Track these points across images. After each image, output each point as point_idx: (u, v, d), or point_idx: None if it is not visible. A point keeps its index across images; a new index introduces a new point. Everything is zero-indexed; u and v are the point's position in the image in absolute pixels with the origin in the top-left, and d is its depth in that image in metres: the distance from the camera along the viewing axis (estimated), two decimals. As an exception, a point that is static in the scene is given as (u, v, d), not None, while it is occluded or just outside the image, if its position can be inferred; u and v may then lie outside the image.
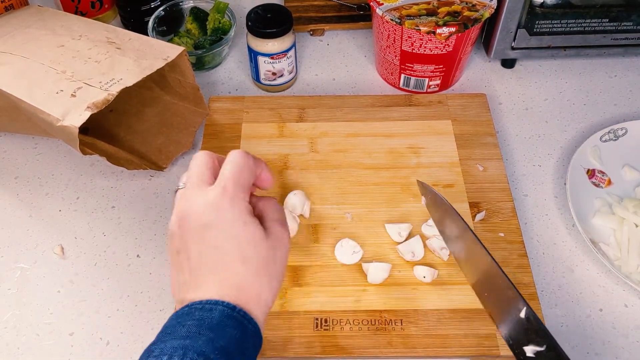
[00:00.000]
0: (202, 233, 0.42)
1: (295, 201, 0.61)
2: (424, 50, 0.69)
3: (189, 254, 0.42)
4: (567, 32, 0.73)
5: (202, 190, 0.43)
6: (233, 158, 0.44)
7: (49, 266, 0.61)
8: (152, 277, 0.60)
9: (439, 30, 0.66)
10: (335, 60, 0.81)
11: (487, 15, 0.68)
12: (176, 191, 0.45)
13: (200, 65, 0.78)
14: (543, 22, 0.72)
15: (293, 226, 0.58)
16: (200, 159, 0.45)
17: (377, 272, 0.56)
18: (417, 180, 0.58)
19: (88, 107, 0.55)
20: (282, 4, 0.85)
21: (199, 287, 0.41)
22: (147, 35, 0.74)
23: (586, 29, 0.73)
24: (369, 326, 0.54)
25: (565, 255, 0.62)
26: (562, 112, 0.75)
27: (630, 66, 0.79)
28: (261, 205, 0.46)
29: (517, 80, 0.78)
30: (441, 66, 0.72)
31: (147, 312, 0.58)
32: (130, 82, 0.58)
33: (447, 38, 0.67)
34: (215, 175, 0.44)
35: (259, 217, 0.44)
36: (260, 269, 0.42)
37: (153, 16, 0.78)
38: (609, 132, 0.68)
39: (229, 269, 0.41)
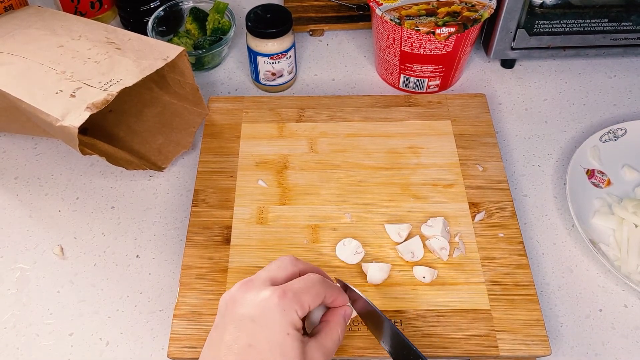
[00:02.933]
0: (243, 323, 0.42)
1: None
2: (424, 51, 0.69)
3: (224, 336, 0.42)
4: (567, 32, 0.73)
5: (264, 285, 0.43)
6: (308, 277, 0.45)
7: (49, 266, 0.61)
8: (151, 278, 0.60)
9: (438, 31, 0.66)
10: (335, 60, 0.81)
11: (486, 15, 0.68)
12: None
13: (199, 65, 0.78)
14: (542, 22, 0.72)
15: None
16: (280, 262, 0.46)
17: (376, 272, 0.56)
18: (335, 278, 0.52)
19: (87, 108, 0.55)
20: (282, 4, 0.85)
21: None
22: (147, 35, 0.74)
23: (586, 29, 0.73)
24: (368, 326, 0.54)
25: (564, 255, 0.62)
26: (561, 112, 0.75)
27: (630, 66, 0.79)
28: (323, 327, 0.46)
29: (516, 80, 0.78)
30: (441, 66, 0.72)
31: (147, 313, 0.58)
32: (129, 82, 0.58)
33: (447, 38, 0.67)
34: (285, 281, 0.45)
35: (314, 333, 0.45)
36: None
37: (153, 16, 0.78)
38: (608, 132, 0.68)
39: None
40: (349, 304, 0.49)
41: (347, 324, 0.48)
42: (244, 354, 0.41)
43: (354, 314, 0.51)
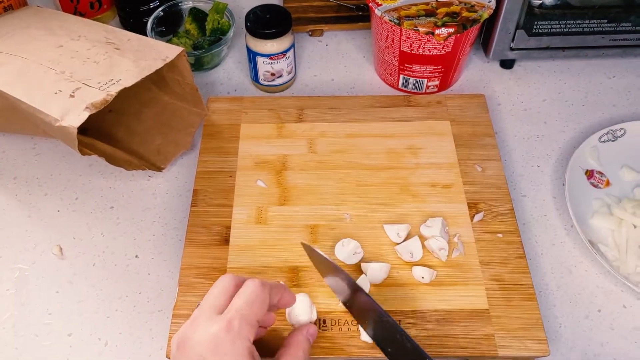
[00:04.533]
0: None
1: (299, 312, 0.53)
2: (423, 51, 0.69)
3: None
4: (566, 33, 0.73)
5: (210, 319, 0.43)
6: (246, 290, 0.44)
7: (48, 266, 0.61)
8: (150, 278, 0.60)
9: (437, 31, 0.66)
10: (334, 60, 0.81)
11: (485, 16, 0.68)
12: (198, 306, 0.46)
13: (199, 65, 0.78)
14: (542, 22, 0.72)
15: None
16: (221, 285, 0.45)
17: (376, 272, 0.56)
18: (302, 243, 0.55)
19: (87, 108, 0.55)
20: (281, 4, 0.85)
21: None
22: (146, 35, 0.74)
23: (585, 29, 0.73)
24: (367, 327, 0.54)
25: (563, 256, 0.62)
26: (560, 112, 0.75)
27: (629, 67, 0.79)
28: (289, 341, 0.46)
29: (515, 80, 0.78)
30: (440, 67, 0.72)
31: (146, 313, 0.58)
32: (129, 82, 0.58)
33: (446, 39, 0.67)
34: (228, 303, 0.44)
35: (276, 358, 0.45)
36: None
37: (152, 17, 0.78)
38: (607, 132, 0.68)
39: None
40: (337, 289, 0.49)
41: (311, 342, 0.48)
42: None
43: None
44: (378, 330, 0.50)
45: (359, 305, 0.51)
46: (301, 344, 0.46)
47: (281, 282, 0.51)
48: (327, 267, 0.53)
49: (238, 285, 0.45)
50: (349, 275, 0.51)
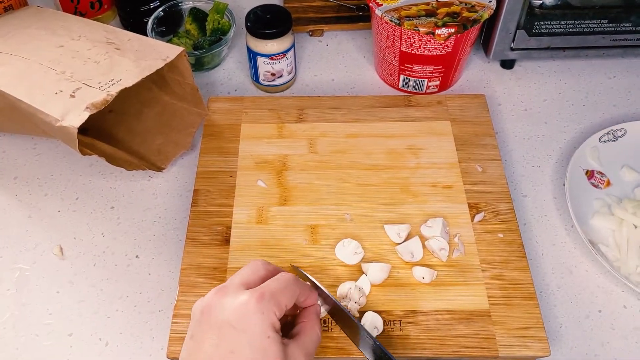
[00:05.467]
0: (223, 330, 0.42)
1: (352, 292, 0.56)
2: (423, 51, 0.69)
3: (202, 345, 0.42)
4: (566, 33, 0.73)
5: (240, 290, 0.43)
6: (282, 277, 0.45)
7: (48, 267, 0.61)
8: (151, 278, 0.60)
9: (438, 31, 0.66)
10: (335, 61, 0.81)
11: (486, 16, 0.68)
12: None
13: (199, 65, 0.78)
14: (542, 23, 0.72)
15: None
16: (253, 265, 0.46)
17: (377, 272, 0.56)
18: (291, 265, 0.56)
19: (87, 108, 0.55)
20: (282, 4, 0.85)
21: None
22: (147, 35, 0.74)
23: (585, 30, 0.73)
24: (368, 327, 0.54)
25: (564, 256, 0.62)
26: (561, 113, 0.75)
27: (630, 67, 0.79)
28: (301, 328, 0.46)
29: (516, 81, 0.78)
30: (440, 67, 0.72)
31: (146, 313, 0.58)
32: (129, 82, 0.58)
33: (447, 39, 0.67)
34: (259, 284, 0.44)
35: (293, 335, 0.45)
36: None
37: (152, 17, 0.78)
38: (608, 133, 0.68)
39: None
40: (319, 302, 0.50)
41: (319, 318, 0.48)
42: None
43: (324, 311, 0.51)
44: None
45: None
46: (316, 323, 0.47)
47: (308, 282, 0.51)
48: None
49: (268, 271, 0.46)
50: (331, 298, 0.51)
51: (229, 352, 0.41)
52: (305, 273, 0.52)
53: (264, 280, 0.45)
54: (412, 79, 0.74)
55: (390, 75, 0.76)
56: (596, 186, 0.66)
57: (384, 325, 0.54)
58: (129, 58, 0.61)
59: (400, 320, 0.54)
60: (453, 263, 0.58)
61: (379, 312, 0.54)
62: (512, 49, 0.75)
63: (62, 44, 0.64)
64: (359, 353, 0.53)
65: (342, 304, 0.55)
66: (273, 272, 0.46)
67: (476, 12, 0.68)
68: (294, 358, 0.43)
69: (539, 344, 0.53)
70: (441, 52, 0.69)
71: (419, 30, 0.66)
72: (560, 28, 0.73)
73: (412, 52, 0.70)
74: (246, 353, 0.41)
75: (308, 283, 0.49)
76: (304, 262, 0.58)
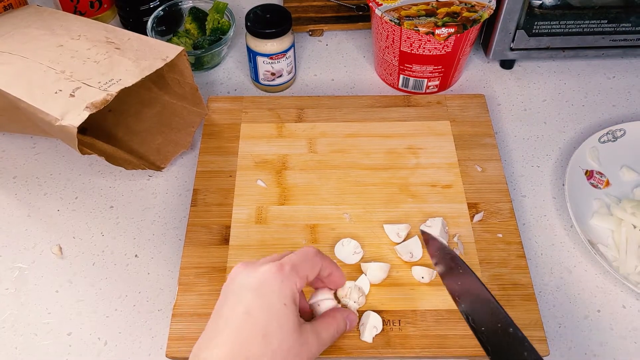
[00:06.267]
0: (242, 293, 0.43)
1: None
2: (423, 51, 0.69)
3: (223, 307, 0.43)
4: (566, 33, 0.73)
5: (264, 262, 0.45)
6: (304, 249, 0.46)
7: (47, 266, 0.61)
8: (150, 277, 0.60)
9: (438, 31, 0.66)
10: (334, 60, 0.81)
11: (486, 16, 0.68)
12: None
13: (199, 65, 0.78)
14: (542, 23, 0.72)
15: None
16: (305, 254, 0.46)
17: (376, 271, 0.56)
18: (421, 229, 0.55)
19: (87, 107, 0.55)
20: (281, 4, 0.85)
21: (215, 346, 0.41)
22: (146, 35, 0.74)
23: (585, 30, 0.73)
24: (367, 326, 0.54)
25: (563, 256, 0.62)
26: (560, 113, 0.75)
27: (629, 67, 0.80)
28: (326, 313, 0.47)
29: (515, 81, 0.78)
30: (440, 67, 0.72)
31: (145, 312, 0.58)
32: (129, 82, 0.58)
33: (446, 39, 0.67)
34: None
35: (313, 316, 0.46)
36: (277, 353, 0.41)
37: (152, 16, 0.78)
38: (607, 133, 0.68)
39: (248, 339, 0.41)
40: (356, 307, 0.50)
41: (347, 329, 0.49)
42: (240, 322, 0.41)
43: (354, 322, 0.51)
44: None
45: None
46: (338, 320, 0.47)
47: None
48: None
49: (319, 266, 0.47)
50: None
51: (244, 314, 0.42)
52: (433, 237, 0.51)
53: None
54: (411, 79, 0.74)
55: (390, 75, 0.76)
56: (595, 186, 0.66)
57: (383, 325, 0.54)
58: (128, 58, 0.61)
59: (399, 320, 0.54)
60: (452, 263, 0.58)
61: (378, 312, 0.54)
62: (511, 49, 0.75)
63: (62, 43, 0.64)
64: (359, 353, 0.53)
65: (340, 303, 0.55)
66: (328, 262, 0.47)
67: (476, 12, 0.68)
68: (306, 337, 0.43)
69: (538, 343, 0.53)
70: (441, 52, 0.69)
71: (418, 30, 0.66)
72: (559, 28, 0.73)
73: (412, 52, 0.70)
74: (261, 316, 0.41)
75: (335, 262, 0.49)
76: (303, 261, 0.58)
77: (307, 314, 0.50)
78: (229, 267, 0.58)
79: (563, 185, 0.66)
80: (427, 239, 0.51)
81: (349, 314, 0.49)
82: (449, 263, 0.49)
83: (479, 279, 0.47)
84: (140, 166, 0.66)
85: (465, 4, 0.68)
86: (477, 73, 0.79)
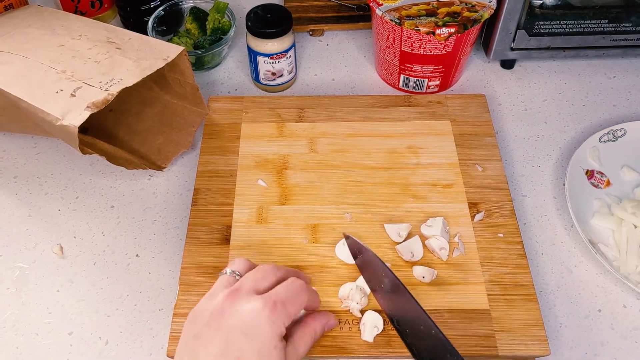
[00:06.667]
0: (233, 335, 0.42)
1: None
2: (424, 51, 0.69)
3: (208, 347, 0.42)
4: (567, 33, 0.73)
5: (251, 296, 0.44)
6: (292, 284, 0.45)
7: (48, 266, 0.61)
8: (151, 277, 0.60)
9: (438, 31, 0.66)
10: (335, 60, 0.81)
11: (486, 16, 0.68)
12: (220, 274, 0.47)
13: (199, 65, 0.78)
14: (542, 23, 0.72)
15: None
16: (264, 271, 0.46)
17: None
18: (344, 234, 0.56)
19: (88, 107, 0.55)
20: (282, 4, 0.85)
21: None
22: (147, 35, 0.74)
23: (585, 30, 0.73)
24: (368, 326, 0.54)
25: (564, 255, 0.62)
26: (561, 112, 0.75)
27: (630, 67, 0.80)
28: (304, 322, 0.47)
29: (516, 81, 0.78)
30: (440, 67, 0.72)
31: (146, 312, 0.58)
32: (130, 82, 0.58)
33: (447, 39, 0.67)
34: (269, 289, 0.45)
35: (287, 336, 0.45)
36: None
37: (153, 16, 0.78)
38: (608, 133, 0.68)
39: None
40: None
41: (325, 330, 0.49)
42: None
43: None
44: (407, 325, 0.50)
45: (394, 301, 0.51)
46: (315, 328, 0.47)
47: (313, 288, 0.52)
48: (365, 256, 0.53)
49: (278, 277, 0.46)
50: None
51: (235, 358, 0.41)
52: (358, 241, 0.53)
53: (274, 285, 0.45)
54: (412, 79, 0.74)
55: (391, 75, 0.76)
56: (596, 186, 0.66)
57: (384, 325, 0.54)
58: (129, 57, 0.62)
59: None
60: (453, 262, 0.58)
61: (379, 312, 0.54)
62: (512, 49, 0.75)
63: (63, 43, 0.64)
64: (359, 353, 0.53)
65: (343, 304, 0.55)
66: (282, 277, 0.47)
67: (476, 12, 0.68)
68: None
69: (539, 343, 0.53)
70: (441, 51, 0.69)
71: (419, 30, 0.66)
72: (560, 28, 0.73)
73: (413, 51, 0.70)
74: None
75: (314, 288, 0.49)
76: (304, 261, 0.58)
77: None
78: (229, 267, 0.58)
79: (564, 185, 0.66)
80: (352, 245, 0.52)
81: (328, 320, 0.48)
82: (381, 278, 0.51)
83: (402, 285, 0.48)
84: (141, 166, 0.66)
85: (466, 4, 0.68)
86: (477, 73, 0.79)
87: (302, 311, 0.50)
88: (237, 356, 0.41)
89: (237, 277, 0.47)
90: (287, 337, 0.45)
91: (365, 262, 0.52)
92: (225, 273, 0.47)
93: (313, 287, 0.49)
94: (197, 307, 0.45)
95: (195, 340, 0.43)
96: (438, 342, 0.46)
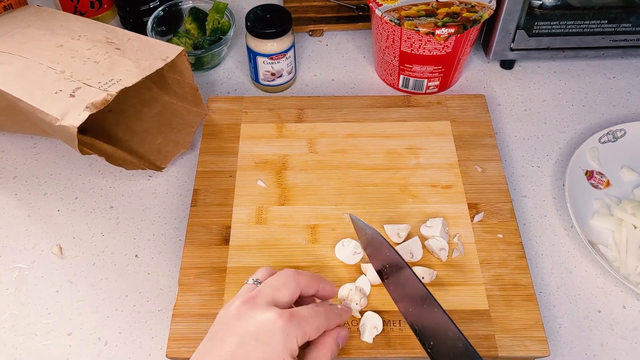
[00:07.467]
0: (246, 339, 0.42)
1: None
2: (423, 51, 0.69)
3: (223, 347, 0.42)
4: (566, 33, 0.73)
5: (270, 307, 0.43)
6: (315, 308, 0.45)
7: (47, 266, 0.61)
8: (150, 278, 0.60)
9: (438, 31, 0.66)
10: (334, 60, 0.81)
11: (486, 16, 0.68)
12: (246, 282, 0.47)
13: (199, 65, 0.78)
14: (542, 23, 0.72)
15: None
16: (285, 279, 0.46)
17: (376, 272, 0.56)
18: (349, 215, 0.55)
19: (87, 107, 0.55)
20: (281, 4, 0.85)
21: None
22: (146, 35, 0.74)
23: (585, 30, 0.73)
24: (367, 327, 0.54)
25: (563, 256, 0.62)
26: (560, 113, 0.75)
27: (629, 67, 0.80)
28: (318, 342, 0.46)
29: (516, 81, 0.78)
30: (440, 67, 0.72)
31: (146, 313, 0.58)
32: (129, 82, 0.58)
33: (446, 39, 0.67)
34: (290, 301, 0.45)
35: (303, 355, 0.45)
36: None
37: (152, 16, 0.78)
38: (607, 133, 0.68)
39: None
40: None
41: (340, 346, 0.48)
42: None
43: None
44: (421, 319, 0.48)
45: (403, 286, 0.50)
46: (330, 346, 0.46)
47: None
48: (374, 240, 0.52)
49: (299, 285, 0.46)
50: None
51: None
52: (363, 222, 0.52)
53: (293, 294, 0.45)
54: (411, 79, 0.74)
55: (390, 75, 0.76)
56: (596, 186, 0.66)
57: (383, 325, 0.54)
58: (129, 58, 0.61)
59: (399, 320, 0.54)
60: (452, 263, 0.58)
61: (378, 312, 0.54)
62: (511, 50, 0.75)
63: (62, 43, 0.64)
64: (359, 353, 0.53)
65: (343, 304, 0.55)
66: (304, 284, 0.46)
67: (476, 12, 0.68)
68: None
69: (538, 344, 0.53)
70: (441, 52, 0.69)
71: (419, 30, 0.66)
72: (560, 28, 0.73)
73: (412, 52, 0.70)
74: None
75: (343, 307, 0.48)
76: (303, 262, 0.58)
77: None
78: (229, 268, 0.58)
79: (563, 185, 0.66)
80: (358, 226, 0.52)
81: (339, 333, 0.47)
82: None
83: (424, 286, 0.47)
84: (140, 166, 0.66)
85: (466, 4, 0.68)
86: (477, 73, 0.79)
87: None
88: (245, 359, 0.41)
89: (258, 285, 0.47)
90: (301, 357, 0.45)
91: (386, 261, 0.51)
92: (248, 282, 0.48)
93: (339, 305, 0.48)
94: (219, 312, 0.45)
95: (210, 341, 0.44)
96: (462, 348, 0.44)
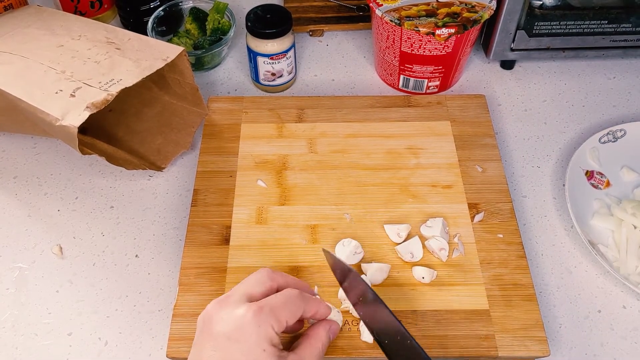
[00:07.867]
0: (219, 341, 0.42)
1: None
2: (423, 52, 0.69)
3: (201, 354, 0.42)
4: (566, 33, 0.73)
5: (241, 302, 0.43)
6: (285, 294, 0.45)
7: (48, 266, 0.61)
8: (150, 278, 0.60)
9: (438, 32, 0.66)
10: (335, 61, 0.81)
11: (486, 16, 0.68)
12: None
13: (199, 65, 0.78)
14: (542, 23, 0.72)
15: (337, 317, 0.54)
16: (259, 276, 0.46)
17: (376, 272, 0.56)
18: (323, 249, 0.54)
19: (87, 107, 0.55)
20: (282, 4, 0.85)
21: None
22: (147, 35, 0.74)
23: (585, 30, 0.73)
24: (367, 327, 0.54)
25: (563, 256, 0.62)
26: (561, 113, 0.75)
27: (629, 68, 0.80)
28: (302, 341, 0.46)
29: (516, 81, 0.78)
30: (440, 67, 0.72)
31: (146, 313, 0.58)
32: (129, 82, 0.58)
33: (447, 39, 0.67)
34: (265, 293, 0.45)
35: (294, 347, 0.45)
36: None
37: (152, 16, 0.78)
38: (607, 133, 0.68)
39: None
40: (339, 313, 0.49)
41: (331, 339, 0.48)
42: None
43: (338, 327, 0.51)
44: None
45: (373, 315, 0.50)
46: (321, 337, 0.46)
47: (317, 295, 0.51)
48: (342, 269, 0.52)
49: (274, 281, 0.46)
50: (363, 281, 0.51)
51: None
52: (335, 255, 0.52)
53: (268, 291, 0.45)
54: (412, 79, 0.74)
55: (390, 76, 0.76)
56: (596, 187, 0.66)
57: None
58: (129, 58, 0.61)
59: (399, 321, 0.54)
60: (453, 263, 0.58)
61: (378, 312, 0.54)
62: (512, 50, 0.75)
63: (62, 43, 0.64)
64: (359, 353, 0.53)
65: (342, 305, 0.55)
66: (280, 284, 0.46)
67: (476, 12, 0.68)
68: None
69: (539, 344, 0.53)
70: (441, 52, 0.69)
71: (419, 30, 0.66)
72: (560, 29, 0.73)
73: (412, 52, 0.70)
74: None
75: (318, 297, 0.48)
76: (303, 262, 0.58)
77: (299, 324, 0.49)
78: (229, 268, 0.58)
79: (563, 185, 0.66)
80: (330, 260, 0.52)
81: (330, 326, 0.48)
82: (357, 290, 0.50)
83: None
84: (140, 166, 0.66)
85: (466, 5, 0.68)
86: (477, 73, 0.79)
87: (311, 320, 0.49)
88: (226, 358, 0.41)
89: None
90: (292, 348, 0.45)
91: (347, 278, 0.52)
92: None
93: (319, 297, 0.48)
94: (197, 318, 0.45)
95: (193, 349, 0.44)
96: (413, 353, 0.46)
